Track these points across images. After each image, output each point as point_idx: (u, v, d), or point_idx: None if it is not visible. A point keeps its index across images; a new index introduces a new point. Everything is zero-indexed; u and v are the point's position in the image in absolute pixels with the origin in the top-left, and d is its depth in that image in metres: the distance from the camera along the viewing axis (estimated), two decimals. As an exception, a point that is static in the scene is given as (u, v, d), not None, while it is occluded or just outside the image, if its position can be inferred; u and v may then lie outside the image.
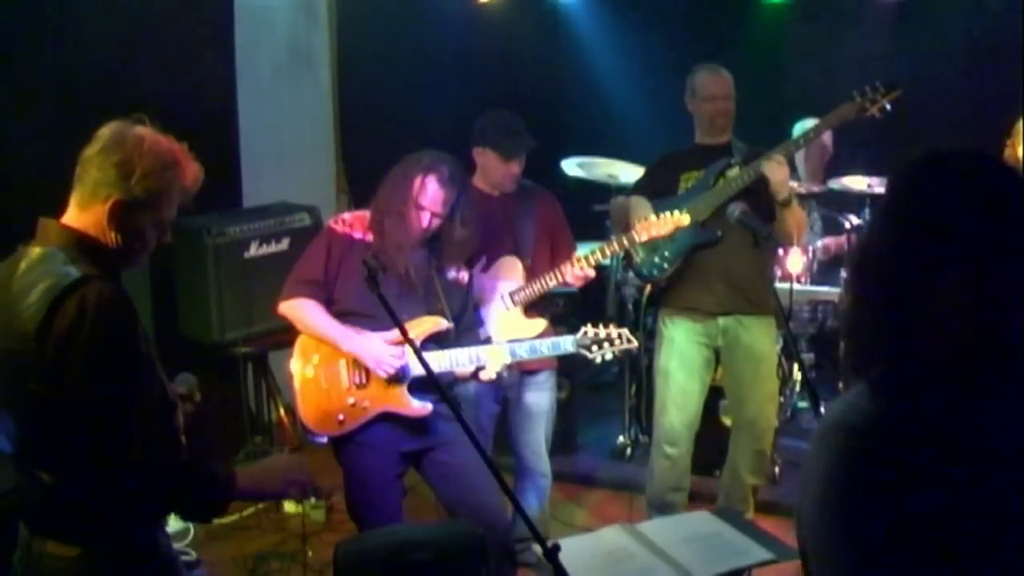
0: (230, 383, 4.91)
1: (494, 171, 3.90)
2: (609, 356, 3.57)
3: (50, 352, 1.97)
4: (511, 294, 3.87)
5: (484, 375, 3.45)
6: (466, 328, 3.55)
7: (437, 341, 3.42)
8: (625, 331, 3.58)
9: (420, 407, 3.38)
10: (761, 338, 4.14)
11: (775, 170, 3.89)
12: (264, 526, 4.50)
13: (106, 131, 2.15)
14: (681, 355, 4.15)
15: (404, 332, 2.77)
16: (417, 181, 3.36)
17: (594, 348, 3.55)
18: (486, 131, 3.88)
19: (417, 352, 2.74)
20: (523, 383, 4.01)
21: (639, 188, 4.22)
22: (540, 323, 3.91)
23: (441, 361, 3.36)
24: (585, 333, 3.56)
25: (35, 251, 2.10)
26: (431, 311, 3.41)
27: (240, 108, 5.39)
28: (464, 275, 3.59)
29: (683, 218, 3.75)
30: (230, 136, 5.37)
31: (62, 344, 1.96)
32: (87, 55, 4.46)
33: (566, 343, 3.58)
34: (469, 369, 3.43)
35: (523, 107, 4.13)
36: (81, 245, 2.10)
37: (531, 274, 3.89)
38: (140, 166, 2.09)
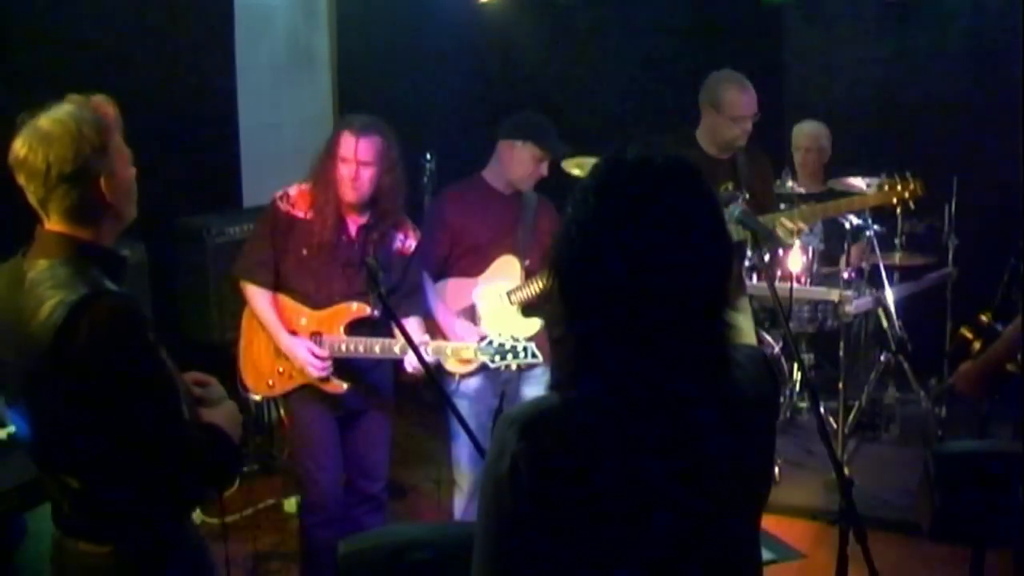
0: (230, 383, 4.90)
1: (522, 166, 3.85)
2: (514, 368, 3.61)
3: (68, 372, 1.93)
4: (509, 293, 3.92)
5: (408, 366, 3.51)
6: (405, 295, 3.60)
7: (363, 323, 3.52)
8: (532, 346, 3.53)
9: (335, 386, 3.58)
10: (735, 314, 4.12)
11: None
12: (264, 526, 4.50)
13: (19, 156, 2.00)
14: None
15: (407, 336, 2.79)
16: (333, 139, 3.51)
17: (496, 359, 3.55)
18: (529, 125, 3.83)
19: (417, 352, 2.78)
20: (520, 377, 4.02)
21: None
22: (535, 323, 3.93)
23: (358, 347, 3.50)
24: (490, 343, 3.55)
25: (40, 263, 2.03)
26: (363, 290, 3.45)
27: (240, 108, 5.39)
28: (411, 243, 3.64)
29: None
30: (230, 136, 5.37)
31: (81, 365, 1.92)
32: (87, 55, 4.46)
33: (468, 351, 3.59)
34: (394, 355, 3.50)
35: (523, 107, 4.13)
36: (83, 252, 2.04)
37: (529, 275, 3.93)
38: (71, 159, 1.98)
